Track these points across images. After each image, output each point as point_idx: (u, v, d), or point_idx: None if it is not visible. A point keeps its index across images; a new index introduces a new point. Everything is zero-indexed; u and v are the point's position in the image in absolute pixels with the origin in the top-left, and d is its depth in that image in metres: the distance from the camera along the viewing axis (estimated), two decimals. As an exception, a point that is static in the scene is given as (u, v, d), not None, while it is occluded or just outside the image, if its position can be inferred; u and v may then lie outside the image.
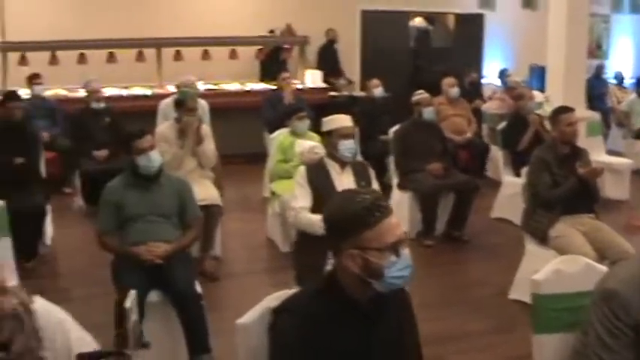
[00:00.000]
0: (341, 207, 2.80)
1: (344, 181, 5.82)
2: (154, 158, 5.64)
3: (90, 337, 3.08)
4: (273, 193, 8.01)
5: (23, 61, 12.03)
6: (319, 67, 14.52)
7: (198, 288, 5.39)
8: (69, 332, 2.96)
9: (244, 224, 8.94)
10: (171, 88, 10.72)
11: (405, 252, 2.77)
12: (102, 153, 9.43)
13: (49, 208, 7.80)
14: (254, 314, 3.20)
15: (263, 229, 8.49)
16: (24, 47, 12.10)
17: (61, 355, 2.89)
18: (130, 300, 4.01)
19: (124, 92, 12.22)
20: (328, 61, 15.22)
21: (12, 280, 2.87)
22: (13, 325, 2.69)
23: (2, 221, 6.09)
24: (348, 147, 5.92)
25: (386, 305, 2.90)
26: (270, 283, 7.20)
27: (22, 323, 2.71)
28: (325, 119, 6.12)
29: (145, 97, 12.03)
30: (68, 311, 3.04)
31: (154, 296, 5.22)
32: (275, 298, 3.14)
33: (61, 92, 11.95)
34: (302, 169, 6.00)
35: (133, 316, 3.90)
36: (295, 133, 8.17)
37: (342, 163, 5.95)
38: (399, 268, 2.76)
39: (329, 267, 5.28)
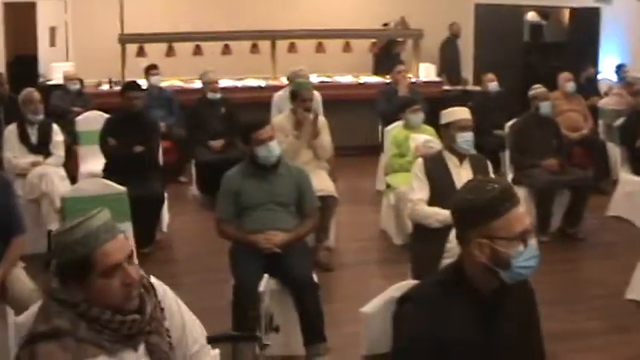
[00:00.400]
0: (471, 196, 2.79)
1: (462, 174, 5.75)
2: (274, 148, 5.66)
3: (198, 321, 3.15)
4: (388, 186, 7.99)
5: (141, 52, 12.30)
6: (440, 61, 14.46)
7: (315, 278, 5.42)
8: (183, 311, 3.05)
9: (356, 216, 8.95)
10: (285, 80, 10.77)
11: (533, 242, 2.77)
12: (217, 143, 9.59)
13: (165, 195, 7.95)
14: (378, 303, 3.23)
15: (376, 221, 8.49)
16: (142, 39, 12.36)
17: (176, 330, 2.98)
18: (264, 284, 4.05)
19: (239, 83, 12.36)
20: (449, 55, 15.14)
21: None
22: (143, 292, 2.82)
23: (124, 207, 6.23)
24: (466, 139, 5.86)
25: (510, 298, 2.89)
26: (383, 275, 7.21)
27: (148, 291, 2.86)
28: (444, 112, 6.08)
29: (259, 88, 12.15)
30: (180, 296, 3.10)
31: (271, 284, 5.27)
32: (398, 288, 3.16)
33: (177, 83, 12.19)
34: (420, 161, 5.96)
35: (266, 300, 3.94)
36: (409, 127, 8.14)
37: (461, 157, 5.89)
38: (526, 257, 2.75)
39: (445, 260, 5.32)
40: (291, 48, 12.60)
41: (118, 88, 11.46)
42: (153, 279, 2.96)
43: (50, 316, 2.67)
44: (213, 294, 6.02)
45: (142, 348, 2.79)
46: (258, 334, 3.73)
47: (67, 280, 2.71)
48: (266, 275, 4.33)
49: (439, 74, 13.89)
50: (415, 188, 5.81)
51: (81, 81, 11.22)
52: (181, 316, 3.02)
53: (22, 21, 14.62)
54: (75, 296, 2.68)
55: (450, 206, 2.92)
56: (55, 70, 13.16)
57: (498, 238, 2.73)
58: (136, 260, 2.99)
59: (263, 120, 5.82)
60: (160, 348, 2.84)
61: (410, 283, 3.19)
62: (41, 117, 8.14)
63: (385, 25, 14.63)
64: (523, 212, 2.78)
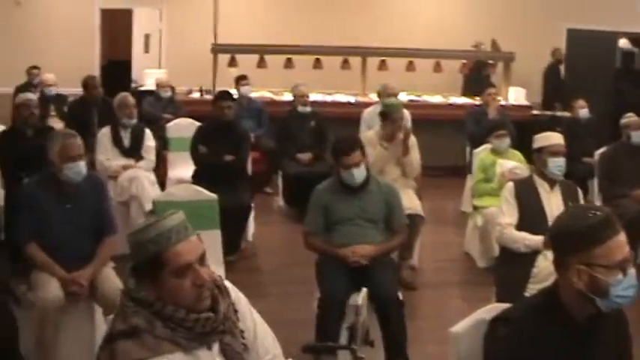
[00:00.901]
0: (572, 222, 2.77)
1: (552, 200, 5.70)
2: (359, 175, 5.60)
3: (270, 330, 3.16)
4: (475, 208, 7.95)
5: (233, 62, 12.44)
6: (544, 87, 14.34)
7: (400, 295, 5.40)
8: (255, 318, 3.08)
9: (440, 236, 8.90)
10: (375, 97, 10.78)
11: (632, 271, 2.74)
12: (305, 156, 9.64)
13: (252, 205, 8.01)
14: (467, 324, 3.21)
15: (459, 243, 8.46)
16: (234, 50, 12.52)
17: (249, 333, 3.01)
18: (361, 297, 4.08)
19: (328, 98, 12.43)
20: (552, 81, 15.00)
21: (219, 271, 3.02)
22: (216, 293, 2.87)
23: (214, 214, 6.29)
24: (558, 165, 5.80)
25: (605, 326, 2.86)
26: (464, 297, 7.18)
27: (222, 292, 2.90)
28: (537, 136, 6.02)
29: (349, 104, 12.22)
30: (264, 306, 3.14)
31: (355, 298, 5.28)
32: (488, 311, 3.15)
33: (267, 94, 12.30)
34: (510, 185, 5.91)
35: (363, 313, 3.96)
36: (496, 151, 8.08)
37: (552, 182, 5.82)
38: (624, 286, 2.73)
39: (531, 285, 5.28)
40: (382, 65, 12.59)
41: (208, 96, 11.67)
42: (227, 282, 3.00)
43: (127, 315, 2.75)
44: (297, 305, 6.06)
45: (216, 347, 2.84)
46: (354, 347, 3.73)
47: (142, 279, 2.79)
48: (364, 289, 4.34)
49: (545, 100, 13.73)
50: (505, 212, 5.76)
51: (172, 88, 11.40)
52: (253, 322, 3.05)
53: (118, 27, 14.94)
54: (150, 295, 2.76)
55: (550, 231, 2.91)
56: (147, 76, 13.41)
57: (598, 265, 2.70)
58: (222, 272, 3.02)
59: (353, 144, 5.74)
60: (233, 348, 2.88)
61: (500, 306, 3.17)
62: (134, 121, 8.32)
63: (475, 46, 14.55)
64: (624, 241, 2.75)
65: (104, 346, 2.76)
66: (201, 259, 2.79)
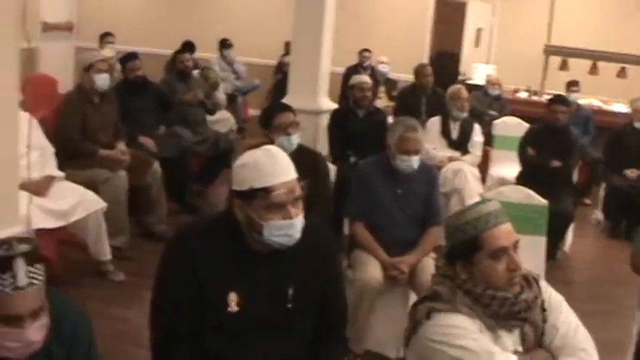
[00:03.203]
0: None
1: None
2: None
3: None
4: None
5: (564, 66, 12.21)
6: None
7: None
8: (572, 319, 3.06)
9: None
10: None
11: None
12: (634, 173, 9.14)
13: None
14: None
15: None
16: (566, 53, 12.29)
17: (552, 331, 3.02)
18: None
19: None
20: None
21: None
22: (524, 283, 2.95)
23: (542, 220, 6.15)
24: None
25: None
26: None
27: (529, 284, 2.98)
28: None
29: None
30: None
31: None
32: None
33: (595, 103, 11.94)
34: None
35: None
36: None
37: None
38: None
39: None
40: None
41: (535, 97, 11.49)
42: (542, 282, 3.05)
43: (433, 285, 2.99)
44: (609, 326, 5.80)
45: (516, 333, 2.93)
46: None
47: (454, 260, 2.93)
48: None
49: None
50: None
51: (500, 85, 11.32)
52: (567, 325, 3.02)
53: (451, 20, 15.01)
54: (458, 274, 2.91)
55: None
56: (475, 70, 13.44)
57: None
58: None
59: None
60: (529, 340, 2.95)
61: None
62: (465, 114, 8.33)
63: None
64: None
65: (409, 313, 3.03)
66: (514, 246, 2.87)
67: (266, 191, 2.88)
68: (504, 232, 2.86)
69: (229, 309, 2.98)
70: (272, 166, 2.93)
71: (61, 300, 2.86)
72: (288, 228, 2.91)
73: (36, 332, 2.63)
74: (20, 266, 2.55)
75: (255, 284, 3.01)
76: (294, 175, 2.98)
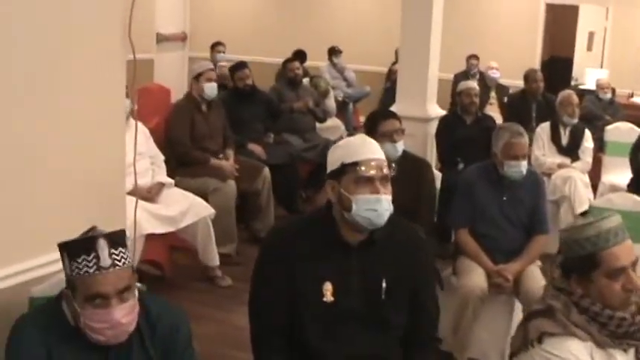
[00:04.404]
0: None
1: None
2: None
3: None
4: None
5: None
6: None
7: None
8: None
9: None
10: None
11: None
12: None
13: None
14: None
15: None
16: None
17: None
18: None
19: None
20: None
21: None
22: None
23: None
24: None
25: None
26: None
27: None
28: None
29: None
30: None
31: None
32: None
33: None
34: None
35: None
36: None
37: None
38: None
39: None
40: None
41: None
42: None
43: (546, 298, 2.91)
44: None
45: (631, 353, 2.83)
46: None
47: (569, 274, 2.86)
48: None
49: None
50: None
51: (613, 90, 11.09)
52: None
53: (563, 23, 14.80)
54: (573, 289, 2.83)
55: None
56: (588, 74, 13.18)
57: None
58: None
59: None
60: None
61: None
62: (575, 121, 8.19)
63: None
64: None
65: (520, 325, 2.98)
66: (634, 265, 2.79)
67: (355, 165, 2.97)
68: (624, 250, 2.76)
69: (324, 299, 3.05)
70: (362, 143, 3.07)
71: (157, 302, 2.94)
72: (375, 203, 2.97)
73: (123, 313, 2.67)
74: (103, 247, 2.63)
75: (348, 275, 3.07)
76: (383, 156, 3.08)
